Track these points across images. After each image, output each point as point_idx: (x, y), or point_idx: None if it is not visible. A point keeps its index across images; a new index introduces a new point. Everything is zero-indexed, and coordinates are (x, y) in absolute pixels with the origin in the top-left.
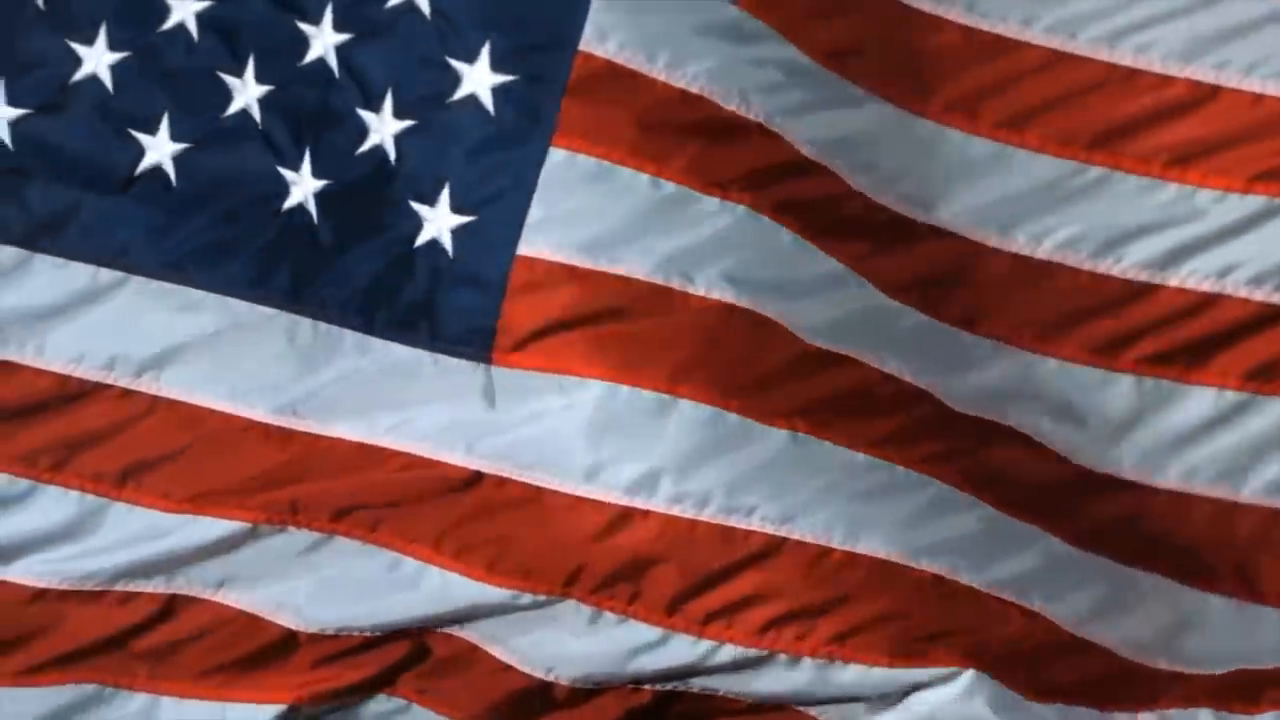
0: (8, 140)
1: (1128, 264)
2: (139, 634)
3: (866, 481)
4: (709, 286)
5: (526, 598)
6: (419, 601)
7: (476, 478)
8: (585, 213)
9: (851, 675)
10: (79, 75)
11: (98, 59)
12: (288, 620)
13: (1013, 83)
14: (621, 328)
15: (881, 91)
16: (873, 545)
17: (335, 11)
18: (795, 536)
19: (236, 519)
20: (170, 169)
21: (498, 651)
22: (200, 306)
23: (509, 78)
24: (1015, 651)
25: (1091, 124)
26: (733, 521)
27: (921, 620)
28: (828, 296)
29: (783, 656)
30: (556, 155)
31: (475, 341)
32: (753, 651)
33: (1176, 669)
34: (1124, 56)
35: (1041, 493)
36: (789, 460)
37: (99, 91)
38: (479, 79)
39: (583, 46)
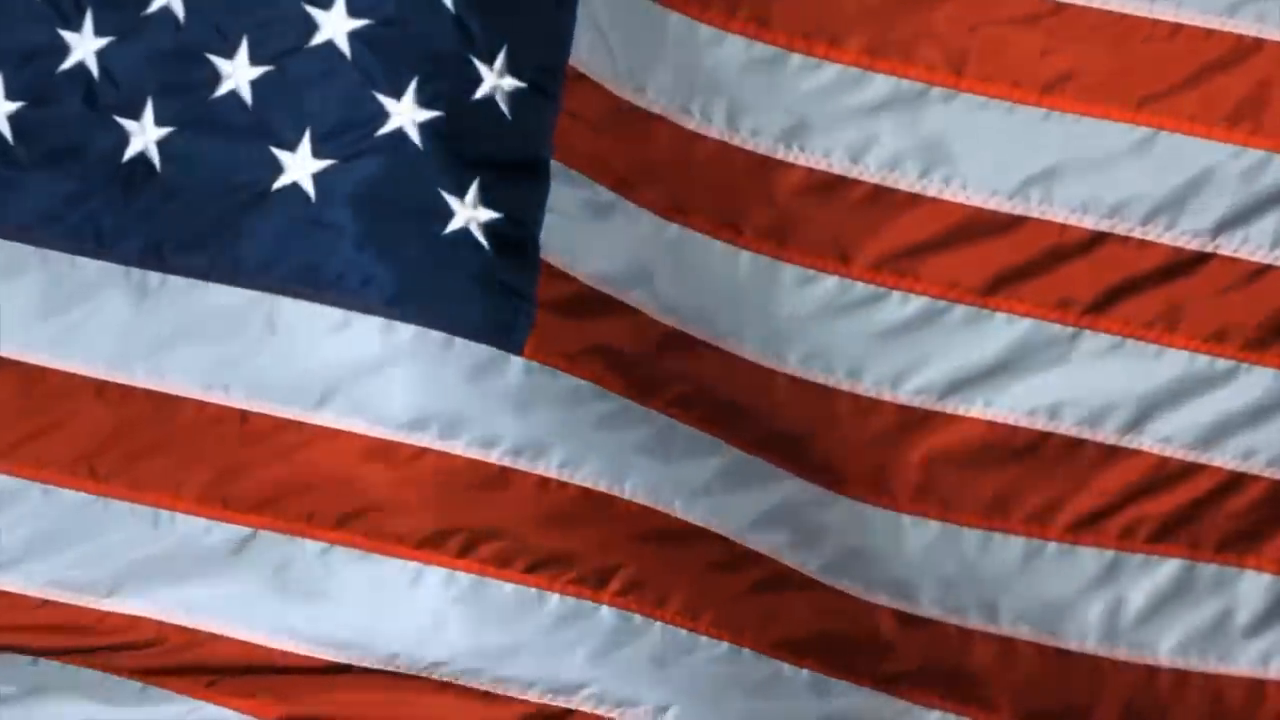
0: (8, 134)
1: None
2: None
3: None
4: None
5: None
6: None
7: None
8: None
9: None
10: (68, 64)
11: (85, 46)
12: None
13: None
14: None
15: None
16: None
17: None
18: None
19: None
20: (155, 155)
21: None
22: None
23: (520, 84)
24: None
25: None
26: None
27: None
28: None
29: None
30: (556, 169)
31: (508, 334)
32: None
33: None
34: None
35: None
36: None
37: (87, 79)
38: (496, 82)
39: (571, 61)
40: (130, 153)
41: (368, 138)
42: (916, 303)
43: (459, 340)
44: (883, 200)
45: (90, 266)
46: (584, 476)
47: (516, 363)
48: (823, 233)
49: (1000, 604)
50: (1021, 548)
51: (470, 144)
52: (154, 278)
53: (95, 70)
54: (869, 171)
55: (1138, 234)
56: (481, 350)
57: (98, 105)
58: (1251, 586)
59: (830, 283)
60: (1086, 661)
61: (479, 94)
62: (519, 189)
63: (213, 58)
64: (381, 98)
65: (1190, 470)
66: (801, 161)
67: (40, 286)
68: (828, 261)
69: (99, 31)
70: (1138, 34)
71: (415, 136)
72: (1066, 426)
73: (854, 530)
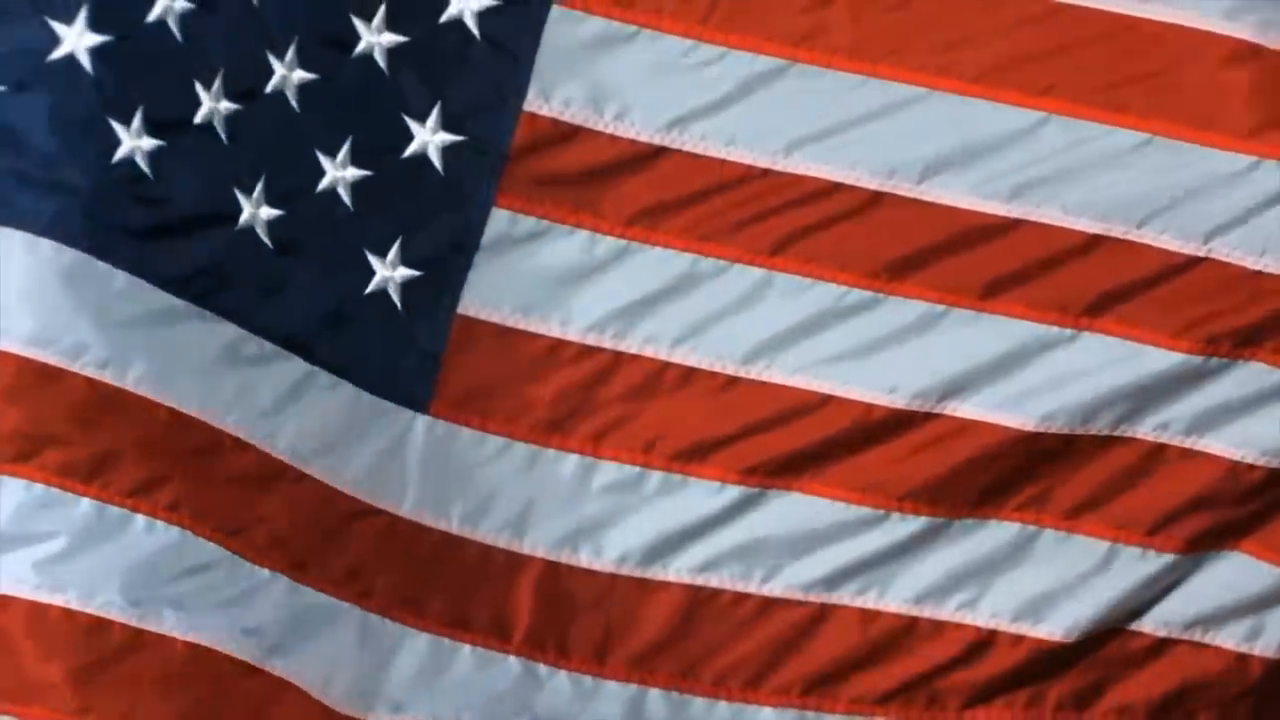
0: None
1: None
2: None
3: None
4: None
5: None
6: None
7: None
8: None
9: None
10: (56, 55)
11: (77, 40)
12: None
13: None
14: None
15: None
16: None
17: (298, 50)
18: None
19: None
20: (145, 165)
21: None
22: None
23: (457, 138)
24: None
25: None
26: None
27: None
28: None
29: None
30: (499, 216)
31: (414, 394)
32: None
33: None
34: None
35: None
36: None
37: (77, 75)
38: (429, 138)
39: (526, 106)
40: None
41: (309, 192)
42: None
43: (366, 396)
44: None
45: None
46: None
47: (421, 423)
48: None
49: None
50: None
51: (397, 201)
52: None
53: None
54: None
55: (1133, 237)
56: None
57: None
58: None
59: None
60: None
61: (409, 151)
62: (444, 242)
63: (196, 83)
64: (319, 154)
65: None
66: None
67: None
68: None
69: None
70: (1129, 37)
71: (346, 196)
72: (1059, 427)
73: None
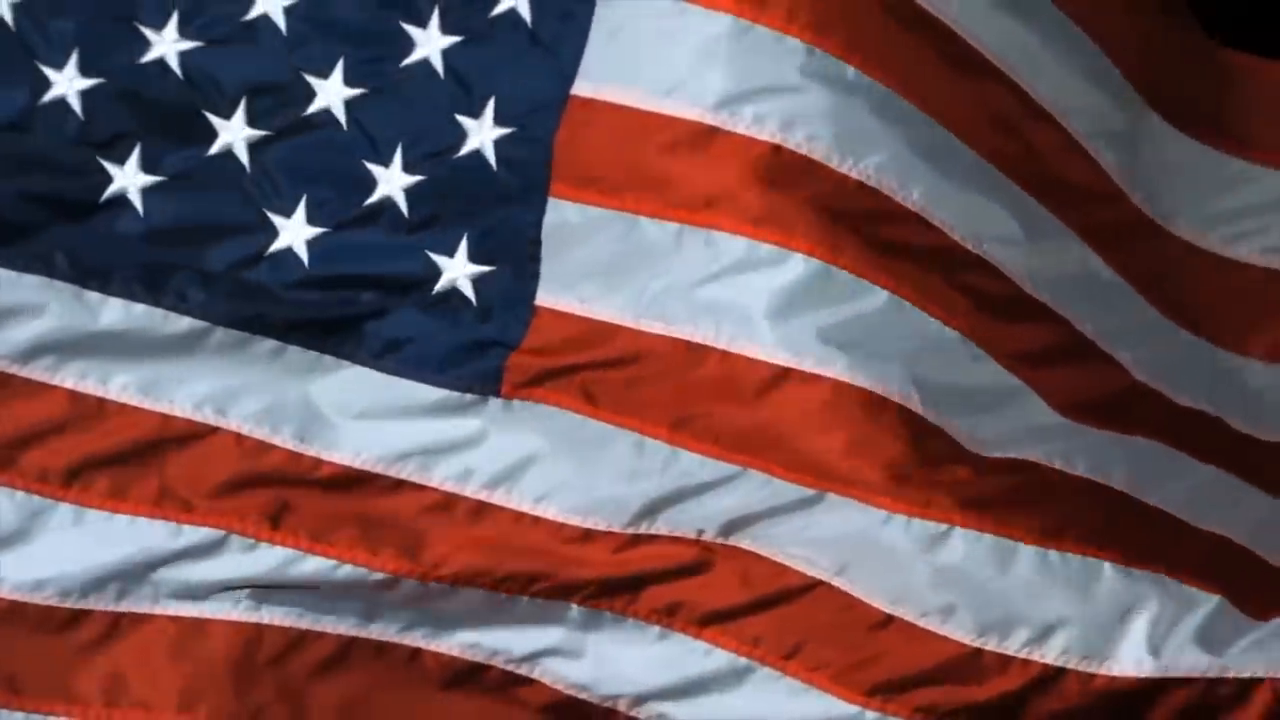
0: None
1: None
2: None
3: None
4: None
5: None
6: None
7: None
8: (587, 261)
9: None
10: (48, 98)
11: (68, 84)
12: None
13: None
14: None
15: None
16: None
17: (345, 70)
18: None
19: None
20: (138, 201)
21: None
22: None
23: (508, 130)
24: None
25: None
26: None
27: None
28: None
29: None
30: (556, 205)
31: (488, 383)
32: None
33: None
34: None
35: None
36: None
37: (67, 116)
38: (484, 134)
39: (574, 91)
40: (109, 194)
41: (357, 206)
42: None
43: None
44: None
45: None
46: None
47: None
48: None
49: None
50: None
51: (456, 200)
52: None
53: (79, 109)
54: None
55: None
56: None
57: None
58: None
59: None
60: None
61: (464, 150)
62: (508, 232)
63: (210, 116)
64: (371, 166)
65: None
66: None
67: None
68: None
69: (84, 72)
70: None
71: (402, 204)
72: None
73: None
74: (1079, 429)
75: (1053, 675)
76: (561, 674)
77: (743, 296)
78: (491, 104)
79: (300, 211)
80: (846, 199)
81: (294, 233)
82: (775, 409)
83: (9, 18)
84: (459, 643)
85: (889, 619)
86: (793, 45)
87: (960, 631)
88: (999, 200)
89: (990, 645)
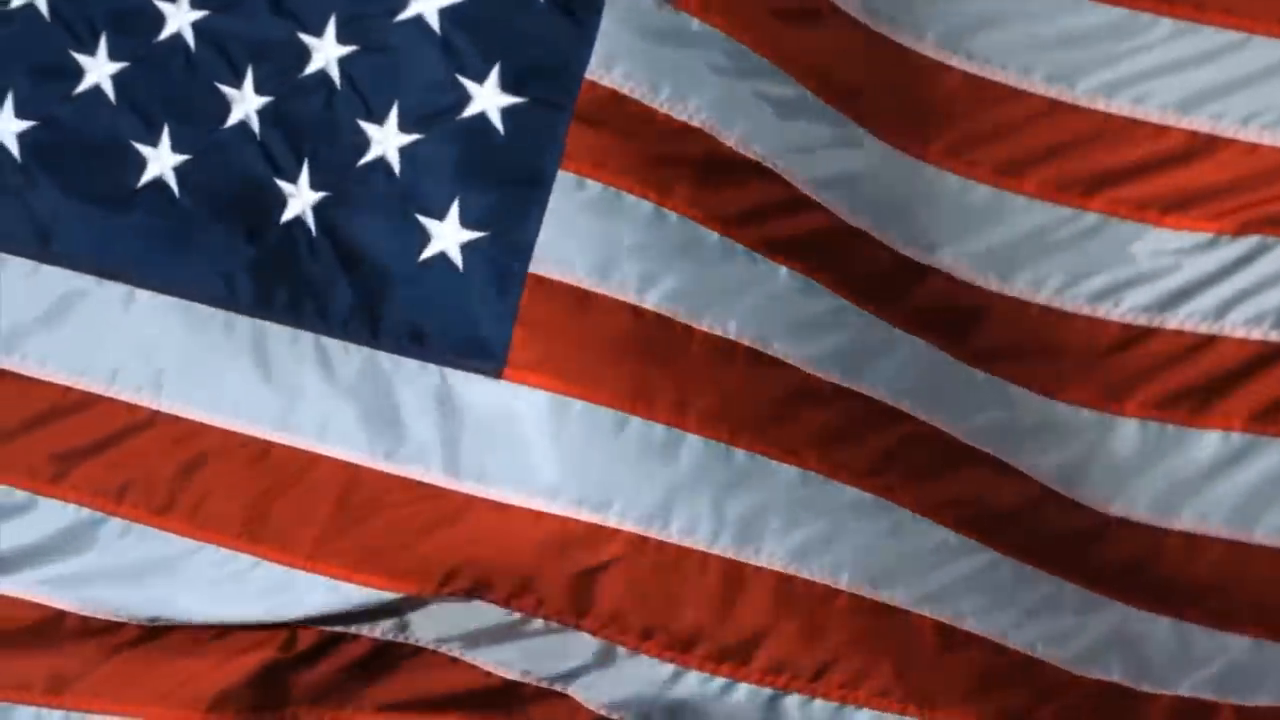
0: (15, 153)
1: (1126, 308)
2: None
3: (876, 523)
4: (712, 323)
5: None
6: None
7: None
8: (593, 237)
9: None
10: (83, 86)
11: (99, 69)
12: None
13: (1011, 130)
14: (630, 353)
15: (881, 133)
16: (884, 591)
17: (339, 25)
18: (804, 575)
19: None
20: (173, 181)
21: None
22: (203, 320)
23: (518, 100)
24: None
25: (1088, 171)
26: (742, 557)
27: (926, 667)
28: (831, 331)
29: (796, 698)
30: (565, 179)
31: (487, 358)
32: (766, 691)
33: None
34: (1122, 107)
35: (1055, 538)
36: (798, 498)
37: (102, 102)
38: (489, 99)
39: (588, 74)
40: (146, 178)
41: (350, 167)
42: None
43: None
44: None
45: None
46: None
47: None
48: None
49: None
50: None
51: (453, 162)
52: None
53: (112, 94)
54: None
55: (1085, 312)
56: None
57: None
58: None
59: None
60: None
61: (467, 112)
62: (512, 202)
63: (223, 87)
64: (363, 124)
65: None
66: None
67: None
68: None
69: (114, 56)
70: (1091, 125)
71: (395, 162)
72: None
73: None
74: None
75: None
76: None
77: None
78: (497, 69)
79: (304, 177)
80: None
81: (302, 200)
82: None
83: (44, 8)
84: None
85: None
86: None
87: None
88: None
89: None
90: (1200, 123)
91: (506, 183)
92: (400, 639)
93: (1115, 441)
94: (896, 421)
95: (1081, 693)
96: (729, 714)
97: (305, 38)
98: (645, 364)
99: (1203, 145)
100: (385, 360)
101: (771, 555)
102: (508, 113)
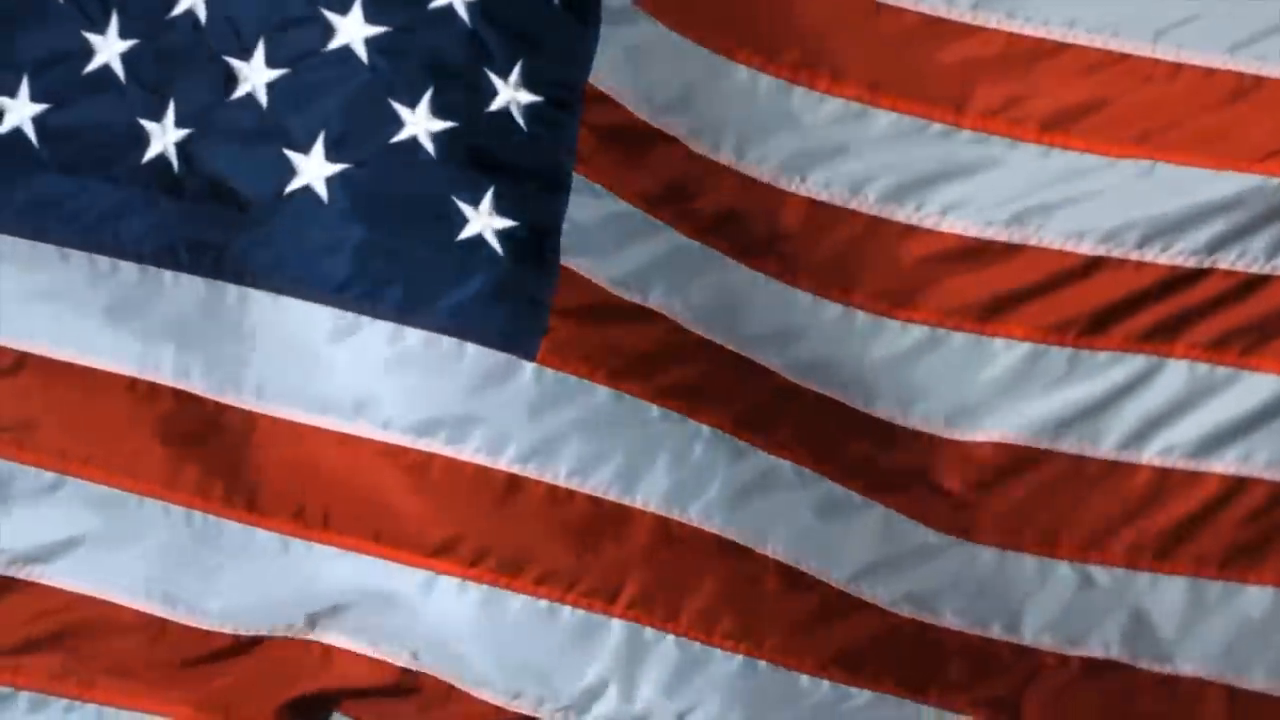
0: (32, 136)
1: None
2: None
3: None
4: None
5: None
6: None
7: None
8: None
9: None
10: (93, 66)
11: (110, 49)
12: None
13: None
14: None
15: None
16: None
17: (364, 6)
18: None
19: None
20: (174, 157)
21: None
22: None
23: (536, 98)
24: None
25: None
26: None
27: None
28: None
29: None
30: (579, 180)
31: (521, 341)
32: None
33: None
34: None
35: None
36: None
37: (114, 81)
38: (512, 94)
39: (591, 80)
40: (150, 154)
41: (382, 145)
42: (917, 331)
43: (470, 346)
44: (881, 231)
45: (104, 264)
46: (593, 485)
47: (529, 369)
48: (826, 261)
49: (1022, 619)
50: (1035, 567)
51: (485, 154)
52: (168, 276)
53: (121, 73)
54: (868, 203)
55: (1134, 257)
56: (494, 356)
57: (122, 107)
58: (1258, 600)
59: (836, 310)
60: (1111, 668)
61: (494, 106)
62: (536, 199)
63: (230, 60)
64: (397, 106)
65: (1192, 480)
66: (803, 191)
67: (60, 283)
68: (831, 288)
69: (124, 34)
70: (1138, 74)
71: (429, 146)
72: (1067, 445)
73: (882, 538)
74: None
75: None
76: None
77: None
78: (519, 66)
79: (319, 148)
80: None
81: (313, 171)
82: None
83: None
84: None
85: None
86: None
87: None
88: None
89: None
90: (1246, 64)
91: (530, 176)
92: None
93: (1161, 382)
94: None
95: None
96: None
97: (330, 15)
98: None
99: (1251, 86)
100: None
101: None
102: (529, 110)
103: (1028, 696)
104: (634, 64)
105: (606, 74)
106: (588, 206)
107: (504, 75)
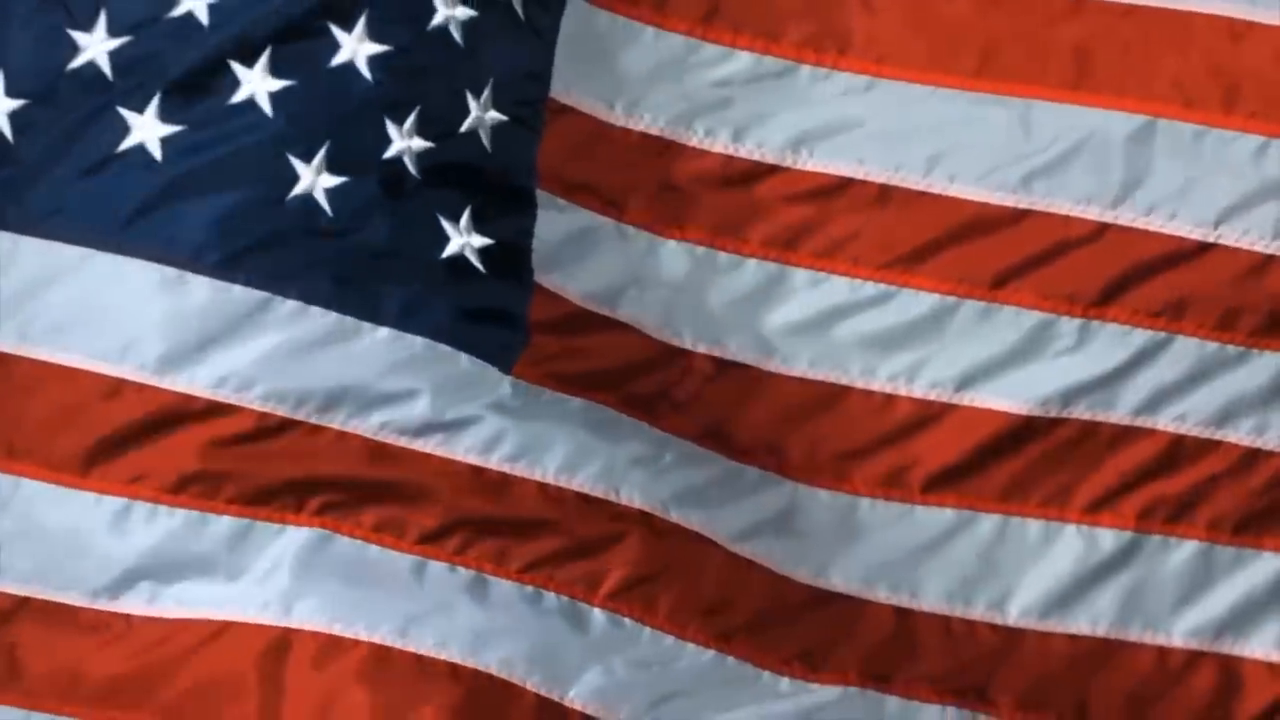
0: (7, 132)
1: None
2: None
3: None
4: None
5: None
6: None
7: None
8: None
9: None
10: (76, 62)
11: (96, 46)
12: None
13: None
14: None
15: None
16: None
17: (368, 24)
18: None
19: None
20: (156, 149)
21: None
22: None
23: (502, 117)
24: None
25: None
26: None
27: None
28: None
29: None
30: (542, 197)
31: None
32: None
33: None
34: None
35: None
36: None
37: (96, 78)
38: (482, 114)
39: (553, 94)
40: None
41: (373, 162)
42: (927, 300)
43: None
44: (891, 199)
45: None
46: (580, 482)
47: (507, 382)
48: (827, 236)
49: (1012, 594)
50: (1040, 531)
51: (459, 173)
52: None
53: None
54: (874, 173)
55: (1140, 224)
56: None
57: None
58: (1269, 567)
59: (840, 283)
60: (1093, 645)
61: (464, 127)
62: (507, 216)
63: (234, 64)
64: (389, 124)
65: (1206, 447)
66: (809, 168)
67: None
68: (836, 263)
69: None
70: (1148, 25)
71: (411, 166)
72: (1080, 412)
73: (856, 527)
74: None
75: None
76: None
77: None
78: (490, 85)
79: (319, 158)
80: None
81: (309, 179)
82: None
83: None
84: None
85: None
86: None
87: None
88: None
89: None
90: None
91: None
92: None
93: None
94: None
95: None
96: None
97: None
98: None
99: None
100: None
101: None
102: (496, 130)
103: (1000, 681)
104: (596, 68)
105: (566, 85)
106: (552, 221)
107: (476, 95)
